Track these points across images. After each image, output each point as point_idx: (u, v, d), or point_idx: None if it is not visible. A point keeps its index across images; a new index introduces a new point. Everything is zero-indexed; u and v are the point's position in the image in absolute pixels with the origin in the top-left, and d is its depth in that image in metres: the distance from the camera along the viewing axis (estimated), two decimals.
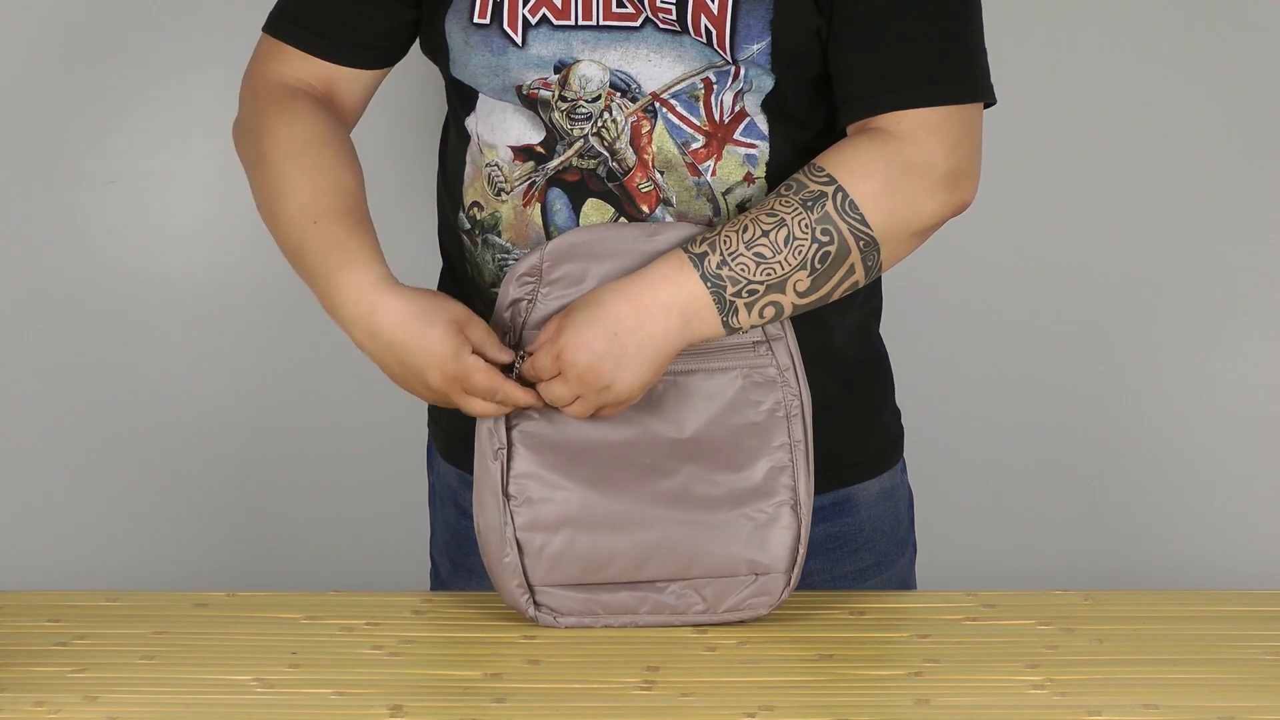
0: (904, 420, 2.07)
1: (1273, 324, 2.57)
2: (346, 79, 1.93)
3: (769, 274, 1.78)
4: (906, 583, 2.05)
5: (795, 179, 1.80)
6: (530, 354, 1.80)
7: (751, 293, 1.79)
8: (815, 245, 1.78)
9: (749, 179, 1.85)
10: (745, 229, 1.78)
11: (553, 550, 1.80)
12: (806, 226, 1.78)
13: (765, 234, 1.78)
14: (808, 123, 1.86)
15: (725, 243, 1.78)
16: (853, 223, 1.78)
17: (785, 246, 1.78)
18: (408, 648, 1.78)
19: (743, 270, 1.78)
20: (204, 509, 2.61)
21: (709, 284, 1.78)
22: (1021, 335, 2.59)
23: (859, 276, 1.81)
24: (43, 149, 2.53)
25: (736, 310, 1.79)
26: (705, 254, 1.78)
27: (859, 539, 1.98)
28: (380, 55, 1.93)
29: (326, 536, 2.61)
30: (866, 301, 1.96)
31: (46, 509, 2.60)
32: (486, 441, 1.81)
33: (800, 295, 1.79)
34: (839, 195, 1.78)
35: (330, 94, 1.93)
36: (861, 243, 1.79)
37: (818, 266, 1.79)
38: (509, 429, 1.81)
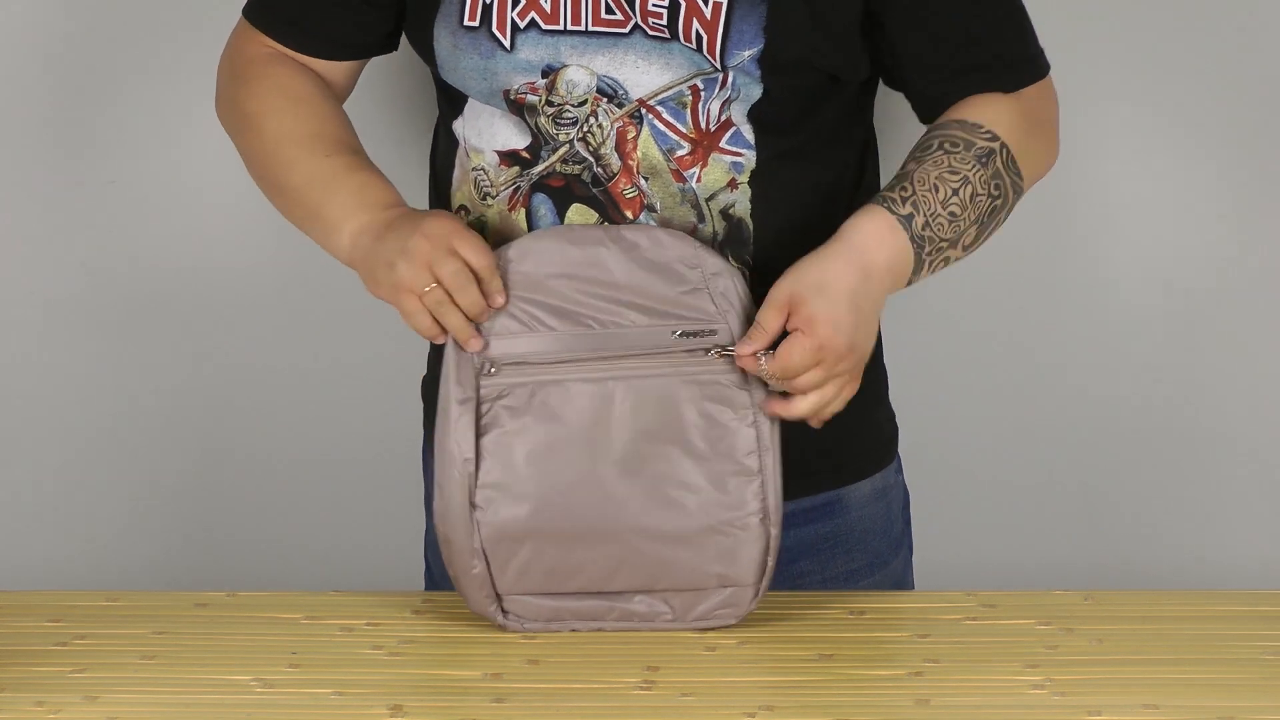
0: (902, 418, 2.07)
1: (1273, 323, 2.57)
2: (323, 67, 1.96)
3: (955, 230, 1.83)
4: (902, 582, 2.05)
5: (957, 136, 1.84)
6: (770, 352, 1.77)
7: (939, 250, 1.83)
8: (990, 201, 1.84)
9: (733, 184, 1.85)
10: (936, 188, 1.81)
11: (519, 561, 1.79)
12: (985, 182, 1.83)
13: (955, 193, 1.82)
14: (793, 130, 1.86)
15: (925, 203, 1.81)
16: (1014, 177, 1.85)
17: (970, 204, 1.83)
18: (408, 648, 1.78)
19: (939, 229, 1.82)
20: (204, 509, 2.61)
21: (915, 245, 1.81)
22: (1020, 334, 2.58)
23: (999, 227, 1.88)
24: (42, 149, 2.53)
25: (923, 267, 1.83)
26: (911, 215, 1.81)
27: (850, 539, 1.97)
28: (354, 50, 1.96)
29: (326, 537, 2.61)
30: None
31: (47, 509, 2.60)
32: (455, 451, 1.79)
33: (964, 249, 1.86)
34: (1005, 151, 1.84)
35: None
36: (1015, 194, 1.87)
37: (986, 221, 1.85)
38: (478, 438, 1.80)
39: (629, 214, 1.85)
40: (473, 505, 1.78)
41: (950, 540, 2.55)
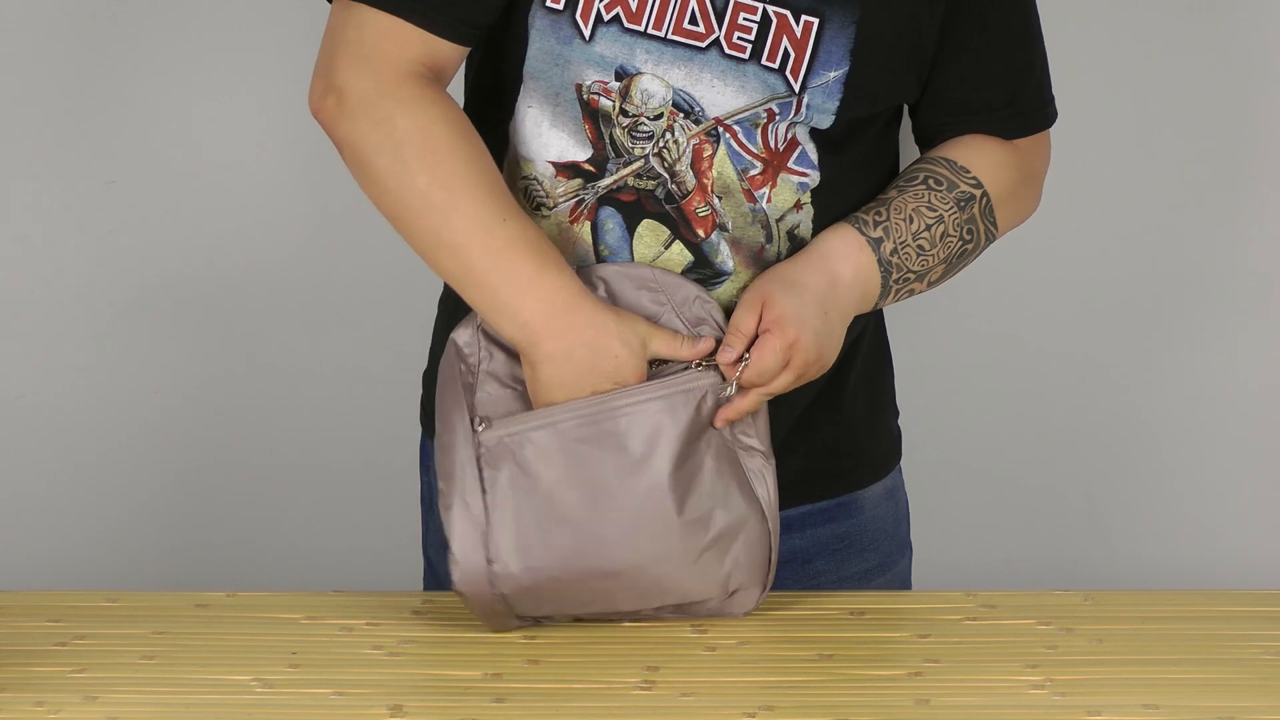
0: (905, 420, 2.07)
1: (1273, 323, 2.57)
2: (454, 60, 1.82)
3: (923, 265, 1.86)
4: (905, 584, 2.06)
5: (942, 175, 1.87)
6: (747, 357, 1.77)
7: (904, 280, 1.86)
8: (960, 244, 1.87)
9: (798, 205, 1.85)
10: (911, 220, 1.84)
11: (534, 597, 1.78)
12: (958, 225, 1.87)
13: (928, 228, 1.85)
14: (847, 149, 1.87)
15: (896, 231, 1.84)
16: (988, 225, 1.89)
17: (940, 242, 1.86)
18: (408, 648, 1.78)
19: (906, 259, 1.85)
20: (204, 509, 2.61)
21: (881, 268, 1.84)
22: (1020, 334, 2.59)
23: (965, 267, 1.92)
24: (42, 149, 2.53)
25: (889, 294, 1.86)
26: (881, 239, 1.84)
27: (864, 539, 1.98)
28: (479, 34, 1.82)
29: (326, 537, 2.61)
30: None
31: (47, 509, 2.60)
32: (464, 513, 1.77)
33: (930, 285, 1.89)
34: (984, 199, 1.88)
35: (438, 77, 1.81)
36: (987, 240, 1.90)
37: (955, 263, 1.89)
38: (482, 493, 1.78)
39: (700, 232, 1.84)
40: (489, 561, 1.78)
41: (950, 541, 2.55)
